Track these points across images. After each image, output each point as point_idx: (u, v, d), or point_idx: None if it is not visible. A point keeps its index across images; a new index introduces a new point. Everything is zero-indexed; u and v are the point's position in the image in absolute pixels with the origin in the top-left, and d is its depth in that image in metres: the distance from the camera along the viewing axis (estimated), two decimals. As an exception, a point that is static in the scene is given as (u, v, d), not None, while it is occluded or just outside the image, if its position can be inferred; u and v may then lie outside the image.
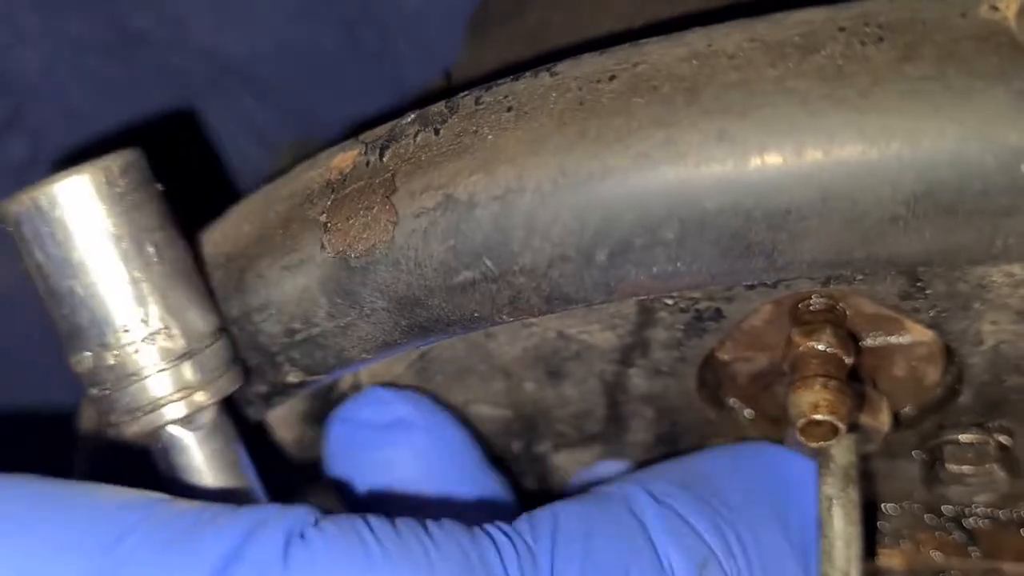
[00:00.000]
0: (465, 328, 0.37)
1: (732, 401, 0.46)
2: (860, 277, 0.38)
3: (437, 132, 0.35)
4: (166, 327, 0.36)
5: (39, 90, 0.67)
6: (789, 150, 0.30)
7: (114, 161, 0.36)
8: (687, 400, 0.45)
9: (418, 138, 0.36)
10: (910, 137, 0.29)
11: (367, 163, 0.37)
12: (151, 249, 0.36)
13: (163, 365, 0.37)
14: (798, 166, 0.30)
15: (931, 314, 0.39)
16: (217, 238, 0.41)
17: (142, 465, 0.39)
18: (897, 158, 0.29)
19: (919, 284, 0.38)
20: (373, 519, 0.33)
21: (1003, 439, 0.44)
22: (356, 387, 0.48)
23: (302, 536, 0.32)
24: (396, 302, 0.36)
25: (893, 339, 0.42)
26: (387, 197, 0.35)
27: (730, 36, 0.32)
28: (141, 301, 0.36)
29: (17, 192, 0.36)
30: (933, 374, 0.43)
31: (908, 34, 0.30)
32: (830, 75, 0.30)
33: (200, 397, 0.37)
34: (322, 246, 0.36)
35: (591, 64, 0.34)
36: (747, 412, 0.47)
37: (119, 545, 0.30)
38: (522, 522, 0.37)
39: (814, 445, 0.39)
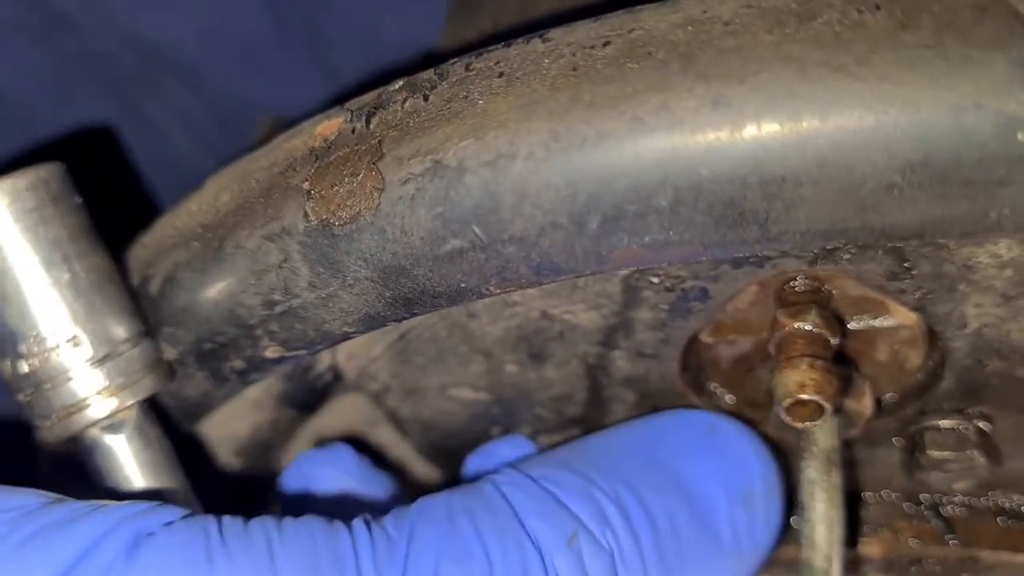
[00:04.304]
0: (451, 300, 0.36)
1: (714, 386, 0.46)
2: (847, 256, 0.38)
3: (426, 98, 0.35)
4: (75, 336, 0.38)
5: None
6: (785, 117, 0.30)
7: (22, 178, 0.37)
8: (669, 384, 0.45)
9: (406, 104, 0.35)
10: (907, 105, 0.29)
11: (353, 130, 0.36)
12: (61, 262, 0.38)
13: (77, 371, 0.38)
14: (794, 133, 0.30)
15: (916, 296, 0.39)
16: (193, 208, 0.40)
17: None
18: (894, 126, 0.29)
19: (906, 264, 0.38)
20: (227, 519, 0.34)
21: (983, 425, 0.44)
22: (333, 368, 0.47)
23: (151, 535, 0.32)
24: (381, 271, 0.35)
25: (877, 322, 0.41)
26: (373, 163, 0.34)
27: (726, 2, 0.32)
28: (50, 313, 0.37)
29: None
30: (915, 359, 0.43)
31: (905, 2, 0.30)
32: (827, 42, 0.30)
33: (117, 400, 0.38)
34: (305, 214, 0.36)
35: (584, 30, 0.33)
36: (728, 398, 0.46)
37: None
38: (389, 515, 0.37)
39: (799, 425, 0.39)
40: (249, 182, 0.38)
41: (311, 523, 0.35)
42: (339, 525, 0.35)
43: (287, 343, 0.39)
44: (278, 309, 0.38)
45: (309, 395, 0.47)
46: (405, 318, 0.37)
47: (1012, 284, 0.37)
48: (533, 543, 0.36)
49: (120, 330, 0.39)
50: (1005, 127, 0.29)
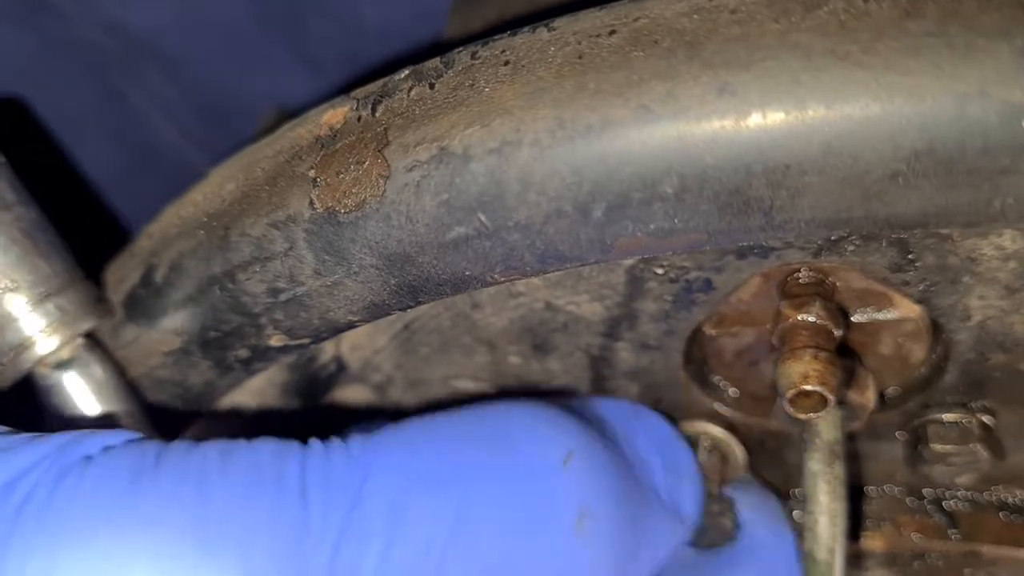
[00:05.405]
0: (455, 288, 0.36)
1: (717, 379, 0.46)
2: (851, 248, 0.38)
3: (432, 86, 0.35)
4: (12, 281, 0.40)
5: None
6: (791, 105, 0.30)
7: None
8: (672, 376, 0.45)
9: (412, 92, 0.35)
10: (912, 93, 0.29)
11: (359, 118, 0.36)
12: None
13: (19, 314, 0.40)
14: (799, 121, 0.30)
15: (920, 288, 0.39)
16: (198, 198, 0.40)
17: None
18: (899, 114, 0.29)
19: (910, 256, 0.38)
20: (175, 443, 0.33)
21: (986, 419, 0.44)
22: (337, 359, 0.47)
23: (87, 460, 0.32)
24: (386, 259, 0.35)
25: (881, 315, 0.41)
26: (379, 151, 0.34)
27: (732, -9, 0.32)
28: None
29: None
30: (919, 352, 0.43)
31: (911, -10, 0.30)
32: (833, 30, 0.30)
33: (59, 336, 0.41)
34: (311, 202, 0.36)
35: (590, 19, 0.33)
36: (732, 391, 0.46)
37: None
38: (366, 434, 0.35)
39: (803, 416, 0.39)
40: (254, 171, 0.38)
41: (263, 445, 0.33)
42: (292, 446, 0.34)
43: (292, 332, 0.39)
44: (283, 297, 0.38)
45: (313, 385, 0.47)
46: (410, 306, 0.38)
47: (1016, 276, 0.37)
48: (525, 464, 0.36)
49: (55, 272, 0.41)
50: (1010, 115, 0.29)
